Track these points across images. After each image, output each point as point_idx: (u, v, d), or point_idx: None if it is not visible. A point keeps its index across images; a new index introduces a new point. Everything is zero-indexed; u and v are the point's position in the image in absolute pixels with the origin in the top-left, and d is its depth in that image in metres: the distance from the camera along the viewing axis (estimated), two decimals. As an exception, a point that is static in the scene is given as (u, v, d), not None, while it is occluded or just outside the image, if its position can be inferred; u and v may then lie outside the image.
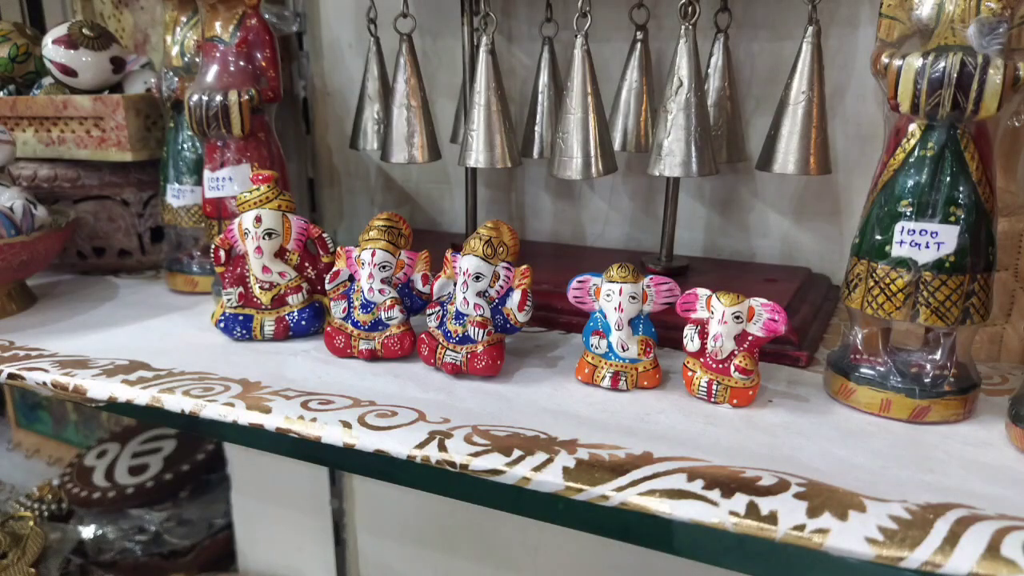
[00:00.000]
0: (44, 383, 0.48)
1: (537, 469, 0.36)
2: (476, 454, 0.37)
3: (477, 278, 0.46)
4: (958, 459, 0.37)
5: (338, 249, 0.52)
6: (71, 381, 0.47)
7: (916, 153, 0.39)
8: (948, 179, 0.39)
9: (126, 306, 0.63)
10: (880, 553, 0.29)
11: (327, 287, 0.51)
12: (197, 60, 0.63)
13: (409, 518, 0.91)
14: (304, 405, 0.43)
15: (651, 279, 0.45)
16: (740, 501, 0.33)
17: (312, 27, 0.78)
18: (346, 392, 0.45)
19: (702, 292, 0.44)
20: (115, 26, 0.88)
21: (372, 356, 0.50)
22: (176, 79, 0.64)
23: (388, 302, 0.49)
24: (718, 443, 0.39)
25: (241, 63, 0.58)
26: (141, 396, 0.45)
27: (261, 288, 0.53)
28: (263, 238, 0.52)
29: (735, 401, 0.43)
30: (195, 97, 0.57)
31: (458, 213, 0.77)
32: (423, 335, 0.48)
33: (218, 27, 0.58)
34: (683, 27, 0.52)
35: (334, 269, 0.51)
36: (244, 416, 0.42)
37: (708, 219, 0.66)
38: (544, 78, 0.63)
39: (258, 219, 0.52)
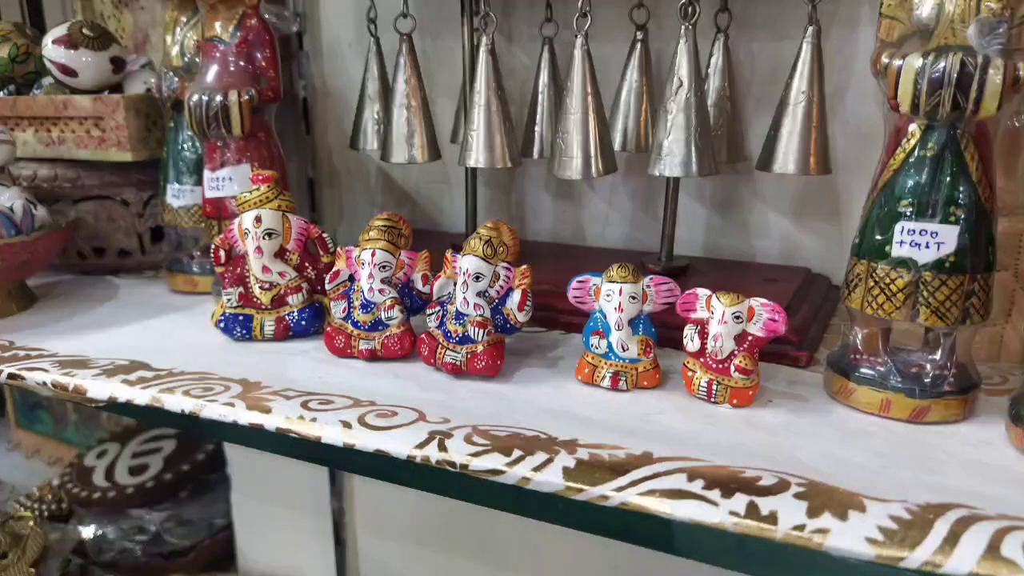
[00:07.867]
0: (44, 383, 0.48)
1: (537, 469, 0.36)
2: (476, 454, 0.37)
3: (477, 278, 0.46)
4: (958, 459, 0.37)
5: (338, 249, 0.52)
6: (71, 381, 0.47)
7: (916, 153, 0.39)
8: (948, 179, 0.39)
9: (126, 306, 0.63)
10: (880, 553, 0.29)
11: (327, 287, 0.51)
12: (197, 60, 0.63)
13: (409, 518, 0.91)
14: (304, 405, 0.43)
15: (651, 279, 0.45)
16: (740, 501, 0.33)
17: (312, 27, 0.78)
18: (346, 392, 0.45)
19: (702, 292, 0.44)
20: (115, 26, 0.88)
21: (372, 356, 0.50)
22: (176, 79, 0.64)
23: (388, 302, 0.49)
24: (718, 443, 0.39)
25: (241, 63, 0.58)
26: (141, 396, 0.45)
27: (261, 288, 0.53)
28: (263, 238, 0.52)
29: (735, 401, 0.43)
30: (195, 97, 0.57)
31: (458, 213, 0.77)
32: (423, 335, 0.48)
33: (218, 27, 0.58)
34: (683, 27, 0.52)
35: (334, 269, 0.51)
36: (244, 416, 0.42)
37: (708, 219, 0.66)
38: (544, 78, 0.63)
39: (258, 219, 0.52)
